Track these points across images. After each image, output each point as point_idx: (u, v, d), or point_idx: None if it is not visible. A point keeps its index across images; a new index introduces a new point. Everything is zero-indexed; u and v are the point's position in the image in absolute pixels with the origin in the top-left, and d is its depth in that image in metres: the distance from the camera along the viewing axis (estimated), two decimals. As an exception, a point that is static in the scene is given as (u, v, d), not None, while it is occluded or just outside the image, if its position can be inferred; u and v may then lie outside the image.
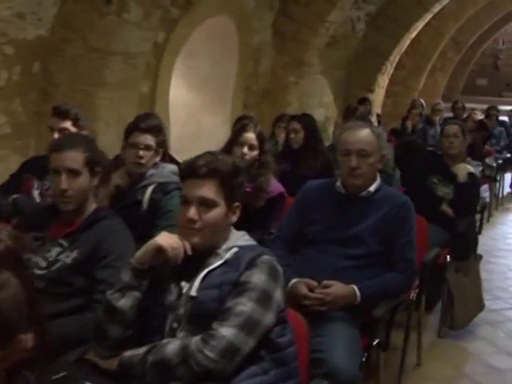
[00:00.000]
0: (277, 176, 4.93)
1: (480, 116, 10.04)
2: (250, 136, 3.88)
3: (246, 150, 3.86)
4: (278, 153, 5.27)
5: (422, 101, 10.97)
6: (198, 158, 2.21)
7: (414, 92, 14.01)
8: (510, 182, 10.24)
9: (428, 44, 13.84)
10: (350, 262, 2.89)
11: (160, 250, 2.10)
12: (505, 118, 11.27)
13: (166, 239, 2.11)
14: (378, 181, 3.05)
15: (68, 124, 3.77)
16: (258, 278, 2.06)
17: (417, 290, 3.59)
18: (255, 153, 3.89)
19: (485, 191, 8.49)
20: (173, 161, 5.07)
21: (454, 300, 4.30)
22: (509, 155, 9.51)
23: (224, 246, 2.20)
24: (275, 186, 3.98)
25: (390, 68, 11.70)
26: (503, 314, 5.00)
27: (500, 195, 9.39)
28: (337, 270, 2.86)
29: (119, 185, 3.44)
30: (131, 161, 3.44)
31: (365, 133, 2.97)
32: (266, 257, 2.13)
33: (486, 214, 8.08)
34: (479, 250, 6.36)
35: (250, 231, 3.85)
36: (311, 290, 2.78)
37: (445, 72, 16.31)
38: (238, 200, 2.25)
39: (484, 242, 6.94)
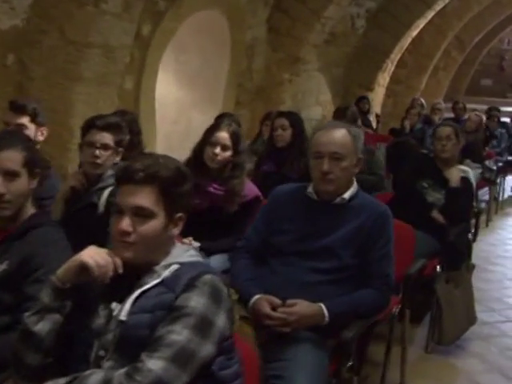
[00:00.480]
0: (259, 177, 4.69)
1: (483, 116, 9.76)
2: (223, 135, 3.60)
3: (218, 150, 3.58)
4: (261, 153, 5.00)
5: (423, 100, 10.66)
6: (135, 160, 1.93)
7: (415, 91, 13.71)
8: (511, 184, 9.94)
9: (431, 43, 13.55)
10: (320, 276, 2.61)
11: (84, 267, 1.83)
12: (507, 119, 10.97)
13: (91, 255, 1.84)
14: (354, 187, 2.77)
15: (25, 120, 3.50)
16: (196, 301, 1.78)
17: (399, 306, 3.30)
18: (228, 153, 3.62)
19: (484, 194, 8.25)
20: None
21: (442, 313, 4.01)
22: (510, 157, 9.20)
23: (163, 263, 1.92)
24: (250, 188, 3.70)
25: (390, 66, 11.41)
26: (497, 328, 4.71)
27: (500, 198, 9.10)
28: (304, 285, 2.58)
29: (74, 186, 3.17)
30: (87, 161, 3.18)
31: (339, 134, 2.68)
32: (208, 276, 1.85)
33: (484, 219, 7.81)
34: (475, 257, 6.11)
35: (222, 238, 3.64)
36: (274, 308, 2.50)
37: (448, 72, 16.00)
38: (181, 210, 1.97)
39: (482, 248, 6.67)
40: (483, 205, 5.22)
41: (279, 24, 8.12)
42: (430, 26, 13.21)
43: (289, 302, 2.49)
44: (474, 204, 5.18)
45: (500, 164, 8.28)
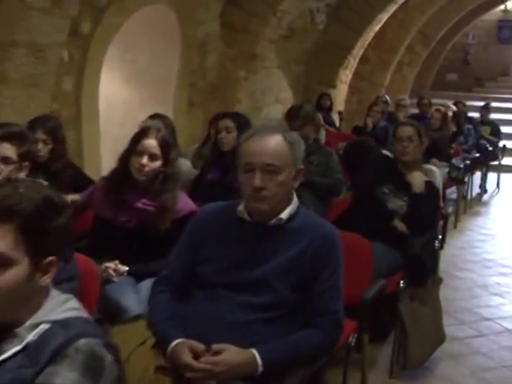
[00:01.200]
0: (203, 187, 4.25)
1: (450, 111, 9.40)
2: (151, 143, 3.15)
3: (145, 160, 3.12)
4: (206, 158, 4.54)
5: (387, 97, 10.28)
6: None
7: (380, 88, 13.38)
8: (479, 182, 9.60)
9: (394, 38, 13.22)
10: (253, 314, 2.15)
11: None
12: (475, 114, 10.63)
13: None
14: (294, 204, 2.32)
15: None
16: (64, 377, 1.33)
17: (355, 335, 2.88)
18: (157, 163, 3.16)
19: (452, 193, 7.88)
20: (75, 169, 4.34)
21: (407, 335, 3.59)
22: (478, 154, 8.84)
23: (28, 322, 1.47)
24: (184, 203, 3.24)
25: (353, 62, 11.03)
26: (468, 344, 4.30)
27: (469, 197, 8.75)
28: (234, 324, 2.13)
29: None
30: (-19, 178, 2.70)
31: (273, 141, 2.23)
32: (83, 341, 1.40)
33: (452, 220, 7.45)
34: (443, 263, 5.73)
35: (153, 260, 3.18)
36: (197, 356, 2.04)
37: (413, 67, 15.70)
38: (52, 253, 1.51)
39: (449, 253, 6.30)
40: (451, 208, 4.81)
41: (233, 19, 7.67)
42: (392, 20, 12.88)
43: (214, 347, 2.04)
44: (442, 206, 4.77)
45: (467, 162, 7.90)
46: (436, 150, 7.52)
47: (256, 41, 7.79)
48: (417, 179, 3.91)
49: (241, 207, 2.29)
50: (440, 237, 4.67)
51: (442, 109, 7.88)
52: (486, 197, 9.60)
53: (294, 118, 5.06)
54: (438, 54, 17.95)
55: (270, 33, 8.06)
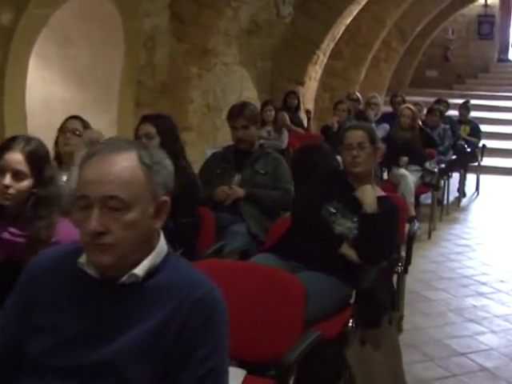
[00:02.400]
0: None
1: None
2: (15, 158, 2.43)
3: (7, 180, 2.41)
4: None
5: (358, 94, 9.60)
6: None
7: (354, 85, 12.72)
8: (457, 186, 8.95)
9: (368, 32, 12.55)
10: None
11: None
12: (456, 112, 9.95)
13: None
14: (158, 254, 1.60)
15: None
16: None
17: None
18: (25, 184, 2.45)
19: (427, 198, 7.26)
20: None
21: (357, 388, 2.91)
22: (454, 156, 8.17)
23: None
24: (66, 233, 2.52)
25: (322, 58, 10.34)
26: (437, 389, 3.63)
27: (445, 202, 8.09)
28: None
29: None
30: None
31: (120, 164, 1.51)
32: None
33: (426, 229, 6.80)
34: (414, 282, 5.09)
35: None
36: None
37: (390, 63, 15.05)
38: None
39: (422, 268, 5.65)
40: (416, 226, 4.11)
41: (183, 10, 6.95)
42: (366, 14, 12.26)
43: None
44: (407, 227, 4.08)
45: (442, 166, 7.21)
46: (408, 152, 6.87)
47: (209, 34, 7.07)
48: (367, 196, 3.19)
49: (83, 258, 1.57)
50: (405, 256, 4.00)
51: (412, 107, 7.19)
52: (464, 201, 8.95)
53: (236, 117, 4.36)
54: (416, 49, 17.33)
55: (225, 26, 7.34)
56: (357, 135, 3.27)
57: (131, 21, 6.55)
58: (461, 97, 15.79)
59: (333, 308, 2.91)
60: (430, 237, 6.85)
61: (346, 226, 3.16)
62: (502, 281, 5.53)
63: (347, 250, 3.11)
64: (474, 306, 4.88)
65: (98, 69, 6.71)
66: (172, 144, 3.55)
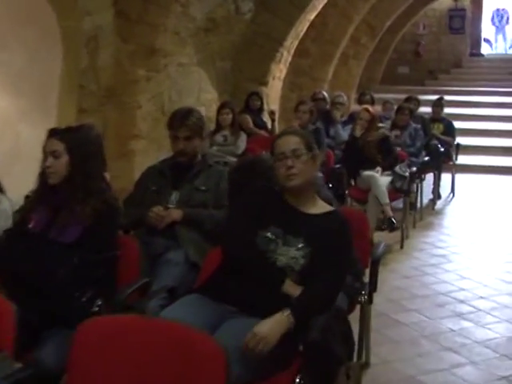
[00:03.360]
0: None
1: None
2: None
3: None
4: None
5: (325, 93, 9.04)
6: None
7: (322, 83, 12.21)
8: (431, 187, 8.43)
9: (335, 28, 12.04)
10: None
11: None
12: (428, 109, 9.41)
13: None
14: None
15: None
16: None
17: None
18: None
19: (398, 203, 6.72)
20: None
21: None
22: (427, 158, 7.64)
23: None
24: None
25: (287, 55, 9.75)
26: None
27: (419, 205, 7.57)
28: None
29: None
30: None
31: None
32: None
33: (398, 237, 6.29)
34: (383, 302, 4.56)
35: None
36: None
37: (359, 60, 14.55)
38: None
39: (392, 285, 5.15)
40: (381, 247, 3.55)
41: (129, 8, 6.35)
42: (333, 9, 11.78)
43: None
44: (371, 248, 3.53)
45: (414, 168, 6.66)
46: (364, 160, 6.34)
47: (156, 33, 6.47)
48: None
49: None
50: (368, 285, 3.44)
51: (371, 108, 6.62)
52: (439, 204, 8.44)
53: (178, 126, 3.78)
54: (386, 45, 16.88)
55: (174, 23, 6.75)
56: (290, 142, 2.68)
57: (69, 20, 5.96)
58: (434, 93, 15.33)
59: (272, 366, 2.33)
60: (402, 246, 6.32)
61: (289, 255, 2.56)
62: (481, 297, 5.00)
63: (291, 288, 2.52)
64: (451, 330, 4.34)
65: (35, 74, 6.11)
66: (83, 163, 2.95)
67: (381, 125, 6.66)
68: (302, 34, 9.76)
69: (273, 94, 9.73)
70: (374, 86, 17.26)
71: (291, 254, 2.57)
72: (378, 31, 14.49)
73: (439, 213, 8.07)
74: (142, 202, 3.65)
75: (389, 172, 6.38)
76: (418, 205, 7.55)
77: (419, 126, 7.67)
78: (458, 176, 9.24)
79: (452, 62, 19.17)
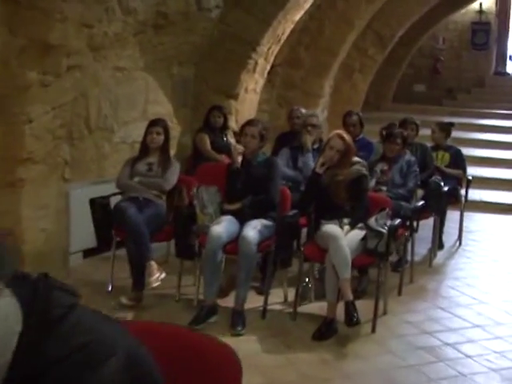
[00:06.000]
0: None
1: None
2: None
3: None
4: None
5: (303, 111, 7.23)
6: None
7: (316, 99, 10.54)
8: (431, 230, 6.59)
9: (333, 34, 10.29)
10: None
11: None
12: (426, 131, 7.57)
13: None
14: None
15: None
16: None
17: None
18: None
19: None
20: None
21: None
22: (423, 202, 5.82)
23: None
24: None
25: (264, 63, 8.02)
26: None
27: (409, 260, 5.78)
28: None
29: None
30: None
31: None
32: None
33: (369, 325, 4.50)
34: None
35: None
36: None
37: (365, 74, 12.81)
38: None
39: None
40: None
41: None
42: (331, 12, 10.04)
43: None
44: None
45: (397, 221, 4.82)
46: (329, 206, 4.57)
47: (51, 22, 4.76)
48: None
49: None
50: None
51: (346, 136, 4.82)
52: (440, 257, 6.60)
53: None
54: (400, 59, 15.13)
55: (74, 9, 5.02)
56: None
57: None
58: (451, 114, 13.62)
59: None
60: (373, 329, 4.52)
61: None
62: None
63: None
64: None
65: None
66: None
67: (356, 159, 4.86)
68: (283, 37, 8.02)
69: (245, 109, 7.99)
70: (385, 104, 15.53)
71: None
72: (387, 42, 12.72)
73: (438, 271, 6.19)
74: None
75: (361, 224, 4.61)
76: (409, 258, 5.76)
77: (413, 158, 5.84)
78: (469, 216, 7.44)
79: (473, 81, 17.34)
